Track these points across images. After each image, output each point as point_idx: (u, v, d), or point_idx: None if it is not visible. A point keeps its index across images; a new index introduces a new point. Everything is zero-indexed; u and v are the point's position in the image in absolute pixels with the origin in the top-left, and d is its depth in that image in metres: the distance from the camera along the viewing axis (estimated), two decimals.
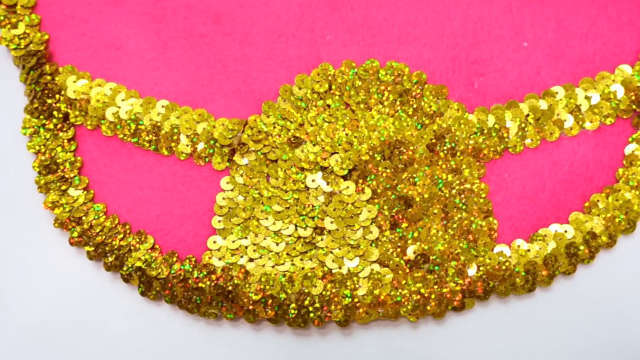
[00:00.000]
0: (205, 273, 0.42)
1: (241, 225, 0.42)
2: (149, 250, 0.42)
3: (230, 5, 0.45)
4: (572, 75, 0.43)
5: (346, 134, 0.42)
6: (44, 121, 0.44)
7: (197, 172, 0.43)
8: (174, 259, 0.42)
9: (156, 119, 0.44)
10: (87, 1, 0.46)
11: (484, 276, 0.40)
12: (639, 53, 0.43)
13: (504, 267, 0.40)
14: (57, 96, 0.44)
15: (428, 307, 0.40)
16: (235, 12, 0.45)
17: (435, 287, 0.40)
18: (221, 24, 0.45)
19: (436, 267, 0.41)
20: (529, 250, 0.41)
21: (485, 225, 0.41)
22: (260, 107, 0.44)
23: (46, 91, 0.44)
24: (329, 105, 0.43)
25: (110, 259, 0.42)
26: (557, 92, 0.42)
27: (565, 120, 0.42)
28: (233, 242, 0.42)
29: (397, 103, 0.43)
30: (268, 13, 0.45)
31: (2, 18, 0.45)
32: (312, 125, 0.43)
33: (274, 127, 0.43)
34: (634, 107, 0.42)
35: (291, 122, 0.43)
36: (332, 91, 0.43)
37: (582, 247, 0.41)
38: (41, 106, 0.44)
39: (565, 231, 0.41)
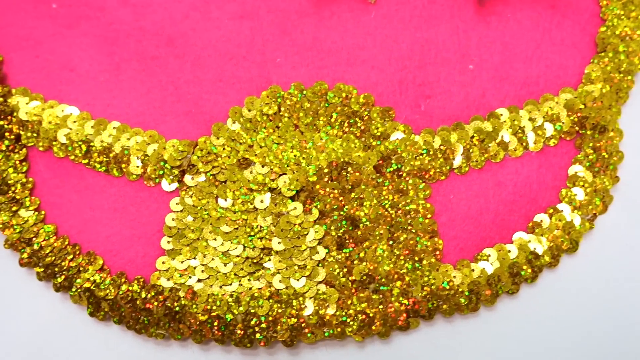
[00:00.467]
0: (153, 294, 0.42)
1: (190, 246, 0.43)
2: (98, 271, 0.43)
3: (182, 28, 0.46)
4: (517, 97, 0.44)
5: (294, 155, 0.43)
6: None
7: (147, 193, 0.44)
8: (123, 280, 0.42)
9: (107, 141, 0.44)
10: (41, 23, 0.47)
11: (428, 296, 0.41)
12: (582, 76, 0.44)
13: (447, 287, 0.41)
14: (9, 118, 0.45)
15: (373, 327, 0.41)
16: (187, 34, 0.46)
17: (380, 307, 0.41)
18: (173, 46, 0.46)
19: (382, 287, 0.41)
20: (473, 270, 0.42)
21: (430, 246, 0.42)
22: (210, 129, 0.44)
23: None
24: (278, 127, 0.44)
25: (59, 280, 0.43)
26: (501, 114, 0.43)
27: (509, 141, 0.43)
28: (182, 262, 0.43)
29: (345, 125, 0.43)
30: (219, 35, 0.45)
31: None
32: (261, 147, 0.43)
33: (224, 149, 0.43)
34: (576, 128, 0.43)
35: (240, 143, 0.43)
36: (281, 113, 0.44)
37: (525, 267, 0.41)
38: None
39: (509, 251, 0.42)
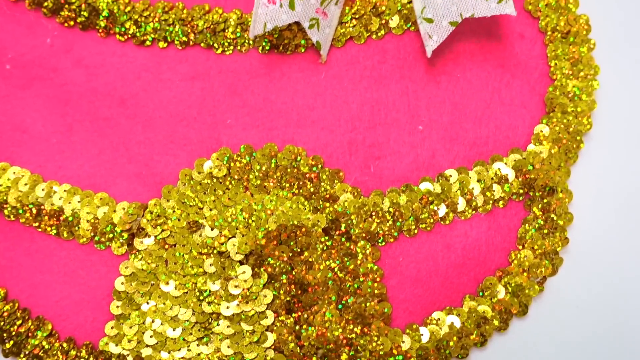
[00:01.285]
0: None
1: (139, 310, 0.43)
2: (47, 337, 0.43)
3: (133, 89, 0.46)
4: (467, 158, 0.44)
5: (244, 218, 0.43)
6: None
7: (97, 256, 0.44)
8: (71, 346, 0.42)
9: (58, 204, 0.44)
10: None
11: None
12: (531, 136, 0.44)
13: (395, 352, 0.41)
14: None
15: None
16: (139, 95, 0.46)
17: None
18: (125, 107, 0.46)
19: (330, 353, 0.41)
20: (422, 334, 0.42)
21: (379, 310, 0.42)
22: (160, 191, 0.44)
23: None
24: (227, 189, 0.44)
25: (8, 346, 0.43)
26: (450, 175, 0.43)
27: (458, 203, 0.43)
28: (130, 327, 0.42)
29: (295, 187, 0.43)
30: (170, 97, 0.46)
31: None
32: (210, 210, 0.43)
33: (173, 211, 0.44)
34: (525, 190, 0.43)
35: (190, 206, 0.44)
36: (230, 175, 0.44)
37: (474, 332, 0.41)
38: None
39: (458, 314, 0.42)
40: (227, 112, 0.45)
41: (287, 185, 0.43)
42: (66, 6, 0.47)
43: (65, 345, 0.42)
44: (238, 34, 0.46)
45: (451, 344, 0.41)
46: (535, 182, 0.43)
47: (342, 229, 0.43)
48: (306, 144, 0.44)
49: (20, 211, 0.44)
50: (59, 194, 0.44)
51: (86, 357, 0.42)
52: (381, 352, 0.41)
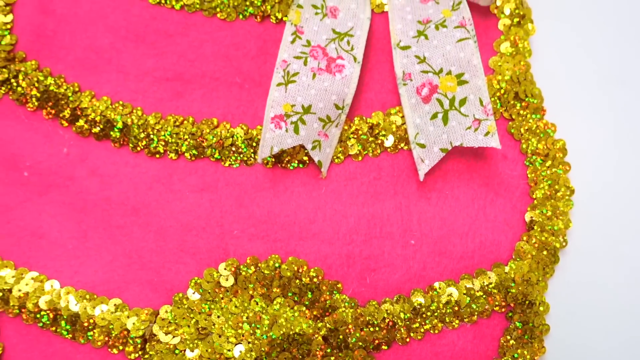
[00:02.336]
0: None
1: None
2: None
3: (146, 199, 0.49)
4: (454, 271, 0.48)
5: (250, 326, 0.47)
6: None
7: None
8: None
9: (74, 309, 0.47)
10: (12, 190, 0.50)
11: None
12: (512, 252, 0.49)
13: None
14: None
15: None
16: (151, 205, 0.49)
17: None
18: (138, 216, 0.49)
19: None
20: None
21: None
22: (171, 297, 0.48)
23: None
24: (235, 296, 0.48)
25: None
26: (439, 288, 0.48)
27: (445, 313, 0.47)
28: None
29: (297, 297, 0.47)
30: (181, 207, 0.49)
31: None
32: (218, 317, 0.47)
33: (184, 319, 0.47)
34: (508, 302, 0.48)
35: (200, 313, 0.47)
36: (237, 285, 0.48)
37: None
38: None
39: None
40: (234, 224, 0.49)
41: (290, 294, 0.47)
42: (82, 117, 0.50)
43: None
44: (244, 149, 0.50)
45: None
46: (516, 296, 0.47)
47: (340, 337, 0.47)
48: (307, 256, 0.48)
49: (38, 315, 0.47)
50: (75, 299, 0.48)
51: None
52: None
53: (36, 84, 0.51)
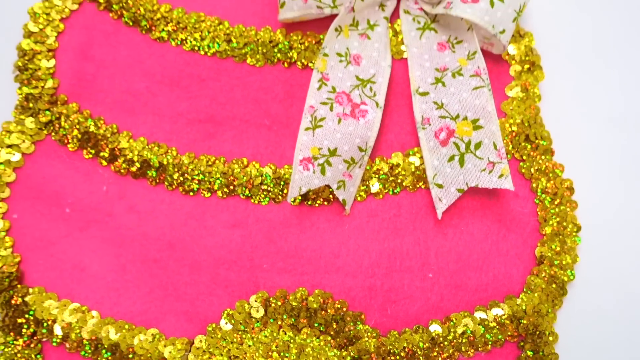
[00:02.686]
0: None
1: None
2: None
3: (181, 234, 0.53)
4: (470, 302, 0.52)
5: (279, 354, 0.50)
6: (14, 338, 0.51)
7: None
8: None
9: (114, 338, 0.51)
10: (55, 225, 0.53)
11: None
12: (524, 285, 0.52)
13: None
14: (26, 316, 0.51)
15: None
16: (186, 240, 0.53)
17: None
18: (173, 250, 0.53)
19: None
20: None
21: None
22: (205, 328, 0.51)
23: (17, 312, 0.51)
24: (265, 326, 0.51)
25: None
26: (456, 319, 0.51)
27: (461, 342, 0.51)
28: None
29: (322, 327, 0.51)
30: (214, 242, 0.53)
31: None
32: (249, 346, 0.51)
33: (217, 348, 0.51)
34: (519, 332, 0.51)
35: (232, 342, 0.51)
36: (267, 315, 0.51)
37: None
38: (12, 324, 0.51)
39: None
40: (263, 258, 0.53)
41: (316, 325, 0.51)
42: (121, 157, 0.54)
43: None
44: (273, 187, 0.53)
45: None
46: (527, 326, 0.51)
47: None
48: (332, 289, 0.52)
49: (80, 345, 0.51)
50: (115, 329, 0.51)
51: None
52: None
53: (77, 126, 0.54)
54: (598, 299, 0.53)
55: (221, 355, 0.50)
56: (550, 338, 0.51)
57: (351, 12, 0.53)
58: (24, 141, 0.54)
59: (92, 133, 0.55)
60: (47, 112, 0.55)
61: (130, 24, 0.56)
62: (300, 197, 0.53)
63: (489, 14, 0.51)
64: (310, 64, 0.55)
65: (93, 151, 0.54)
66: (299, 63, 0.55)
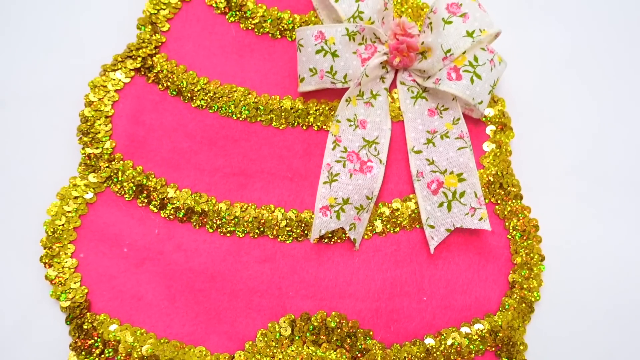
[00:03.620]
0: None
1: None
2: None
3: (220, 268, 0.65)
4: (457, 320, 0.65)
5: None
6: (85, 357, 0.63)
7: None
8: None
9: (170, 356, 0.63)
10: (115, 262, 0.65)
11: None
12: (499, 305, 0.65)
13: None
14: (95, 338, 0.63)
15: None
16: (225, 274, 0.65)
17: None
18: (214, 282, 0.65)
19: None
20: None
21: None
22: (243, 345, 0.64)
23: (87, 335, 0.63)
24: (292, 342, 0.64)
25: None
26: (445, 333, 0.64)
27: (450, 352, 0.64)
28: None
29: (339, 342, 0.64)
30: (248, 275, 0.65)
31: (52, 277, 0.64)
32: (279, 359, 0.63)
33: (255, 359, 0.63)
34: (497, 343, 0.64)
35: (265, 356, 0.63)
36: (293, 334, 0.64)
37: None
38: (83, 346, 0.63)
39: None
40: (289, 287, 0.65)
41: (334, 340, 0.64)
42: (169, 205, 0.66)
43: None
44: (295, 229, 0.66)
45: None
46: (502, 338, 0.64)
47: None
48: (346, 311, 0.65)
49: None
50: (169, 348, 0.63)
51: None
52: None
53: (132, 179, 0.67)
54: (559, 315, 0.67)
55: None
56: (521, 347, 0.64)
57: (358, 86, 0.67)
58: (87, 193, 0.66)
59: (145, 185, 0.67)
60: (107, 169, 0.67)
61: (175, 94, 0.69)
62: (318, 238, 0.66)
63: (469, 89, 0.64)
64: (324, 127, 0.68)
65: (146, 200, 0.67)
66: (314, 126, 0.68)
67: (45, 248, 0.65)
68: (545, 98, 0.72)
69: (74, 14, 0.73)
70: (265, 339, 0.64)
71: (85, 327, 0.63)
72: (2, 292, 0.65)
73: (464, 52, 0.65)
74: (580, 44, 0.75)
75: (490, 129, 0.69)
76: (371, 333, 0.64)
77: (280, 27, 0.71)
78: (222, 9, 0.72)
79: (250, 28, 0.71)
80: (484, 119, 0.70)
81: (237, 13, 0.71)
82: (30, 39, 0.72)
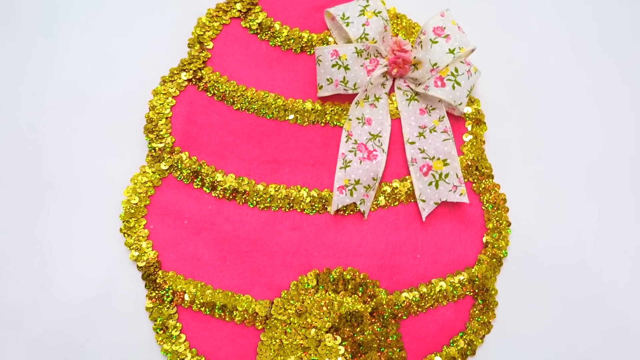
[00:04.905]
0: None
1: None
2: None
3: (260, 235, 0.86)
4: (443, 271, 0.86)
5: (327, 307, 0.83)
6: (158, 303, 0.83)
7: (250, 330, 0.83)
8: None
9: (224, 302, 0.83)
10: (178, 232, 0.86)
11: None
12: (476, 260, 0.86)
13: None
14: (165, 288, 0.83)
15: None
16: (264, 239, 0.86)
17: None
18: (256, 246, 0.86)
19: None
20: None
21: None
22: (280, 293, 0.84)
23: (160, 287, 0.83)
24: (317, 292, 0.84)
25: None
26: (435, 282, 0.85)
27: (439, 297, 0.85)
28: None
29: (353, 290, 0.84)
30: (282, 240, 0.86)
31: (130, 244, 0.85)
32: (308, 303, 0.84)
33: (288, 304, 0.84)
34: (474, 289, 0.85)
35: (297, 301, 0.84)
36: (318, 284, 0.84)
37: None
38: (157, 296, 0.83)
39: None
40: (314, 249, 0.86)
41: (349, 288, 0.84)
42: (218, 187, 0.86)
43: None
44: (317, 204, 0.86)
45: None
46: (479, 285, 0.85)
47: (379, 312, 0.84)
48: (358, 266, 0.85)
49: (203, 307, 0.83)
50: (223, 296, 0.84)
51: None
52: None
53: (188, 167, 0.87)
54: (522, 267, 0.88)
55: (291, 309, 0.84)
56: (493, 292, 0.86)
57: (365, 92, 0.87)
58: (154, 179, 0.87)
59: (199, 171, 0.87)
60: (169, 159, 0.87)
61: (219, 99, 0.89)
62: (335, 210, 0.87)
63: (452, 93, 0.85)
64: (338, 124, 0.88)
65: (200, 183, 0.87)
66: (330, 123, 0.88)
67: (123, 222, 0.85)
68: (511, 98, 0.93)
69: (137, 36, 0.93)
70: (297, 288, 0.84)
71: (157, 281, 0.84)
72: (93, 256, 0.85)
73: (447, 65, 0.85)
74: (539, 55, 0.96)
75: (468, 124, 0.90)
76: (378, 283, 0.85)
77: (302, 44, 0.91)
78: (255, 30, 0.91)
79: (277, 45, 0.91)
80: (463, 116, 0.90)
81: (267, 33, 0.91)
82: (105, 57, 0.92)
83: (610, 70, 0.96)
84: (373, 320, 0.84)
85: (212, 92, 0.89)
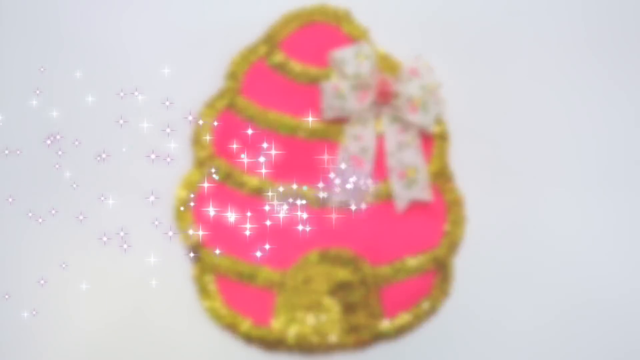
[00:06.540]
0: None
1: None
2: None
3: (281, 223, 1.17)
4: (414, 252, 1.17)
5: (325, 277, 1.15)
6: (203, 278, 1.15)
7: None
8: None
9: (250, 272, 1.15)
10: (218, 219, 1.17)
11: None
12: (439, 243, 1.17)
13: None
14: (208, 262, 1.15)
15: None
16: (281, 228, 1.17)
17: None
18: (276, 230, 1.17)
19: None
20: None
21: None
22: (291, 266, 1.16)
23: (204, 263, 1.15)
24: (319, 265, 1.16)
25: None
26: (406, 260, 1.16)
27: (411, 272, 1.16)
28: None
29: (345, 264, 1.16)
30: (295, 230, 1.17)
31: (181, 227, 1.16)
32: (312, 274, 1.15)
33: (298, 274, 1.15)
34: (436, 265, 1.16)
35: (304, 272, 1.15)
36: (320, 260, 1.16)
37: None
38: (200, 272, 1.15)
39: None
40: (318, 236, 1.17)
41: (343, 263, 1.15)
42: (247, 185, 1.18)
43: None
44: (320, 200, 1.18)
45: None
46: (440, 262, 1.16)
47: (367, 281, 1.15)
48: (351, 247, 1.16)
49: (239, 275, 1.15)
50: (250, 268, 1.15)
51: None
52: None
53: (224, 171, 1.18)
54: (477, 250, 1.18)
55: (299, 278, 1.15)
56: (450, 268, 1.17)
57: (357, 116, 1.17)
58: (199, 180, 1.18)
59: (231, 173, 1.18)
60: (210, 164, 1.18)
61: (247, 119, 1.20)
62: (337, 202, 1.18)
63: (422, 118, 1.15)
64: (336, 139, 1.19)
65: (233, 183, 1.18)
66: (331, 138, 1.19)
67: (177, 210, 1.17)
68: (471, 121, 1.23)
69: (183, 68, 1.23)
70: (304, 262, 1.16)
71: (202, 257, 1.16)
72: (152, 238, 1.17)
73: (419, 97, 1.15)
74: (499, 84, 1.26)
75: (435, 140, 1.20)
76: (364, 260, 1.16)
77: (311, 78, 1.21)
78: (276, 66, 1.22)
79: (291, 78, 1.22)
80: (431, 134, 1.20)
81: (284, 69, 1.22)
82: (156, 84, 1.23)
83: (584, 78, 1.25)
84: (360, 287, 1.15)
85: (242, 114, 1.20)
